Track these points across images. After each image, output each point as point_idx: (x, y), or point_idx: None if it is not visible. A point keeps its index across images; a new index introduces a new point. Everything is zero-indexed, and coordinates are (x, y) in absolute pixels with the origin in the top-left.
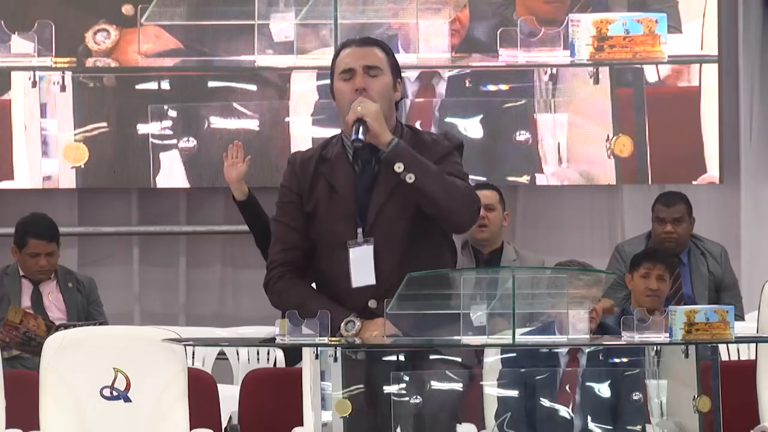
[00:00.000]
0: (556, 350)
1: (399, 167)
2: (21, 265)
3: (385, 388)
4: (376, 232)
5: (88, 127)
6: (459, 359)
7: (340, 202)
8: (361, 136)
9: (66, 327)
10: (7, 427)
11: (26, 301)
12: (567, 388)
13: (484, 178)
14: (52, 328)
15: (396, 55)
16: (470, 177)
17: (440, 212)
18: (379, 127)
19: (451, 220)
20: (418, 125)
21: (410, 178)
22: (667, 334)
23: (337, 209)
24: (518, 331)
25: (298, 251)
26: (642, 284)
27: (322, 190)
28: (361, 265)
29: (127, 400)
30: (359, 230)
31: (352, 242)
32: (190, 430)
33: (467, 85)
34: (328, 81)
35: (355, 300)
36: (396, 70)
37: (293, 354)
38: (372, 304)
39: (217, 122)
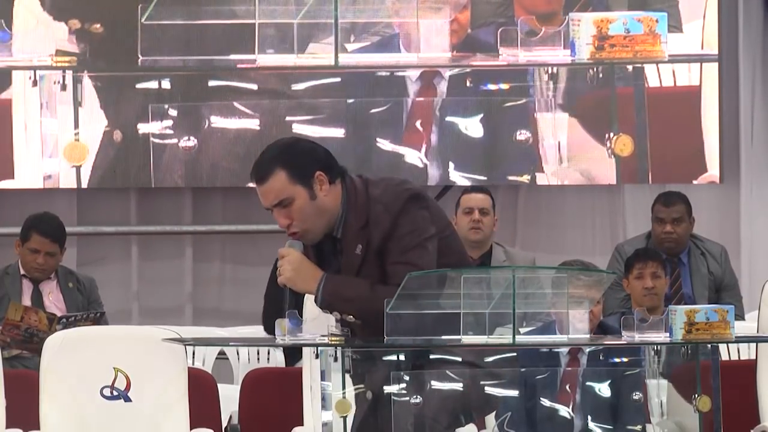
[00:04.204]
0: (557, 350)
1: (336, 316)
2: (21, 260)
3: (385, 388)
4: None
5: (89, 127)
6: (459, 359)
7: None
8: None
9: (67, 318)
10: (7, 427)
11: (26, 301)
12: (567, 387)
13: (484, 178)
14: (54, 320)
15: (397, 55)
16: (470, 177)
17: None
18: (304, 285)
19: None
20: (418, 125)
21: (350, 318)
22: (667, 334)
23: None
24: (518, 331)
25: None
26: (638, 285)
27: None
28: None
29: (127, 400)
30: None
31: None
32: (190, 430)
33: (468, 84)
34: (328, 80)
35: None
36: (307, 171)
37: (293, 354)
38: None
39: (217, 122)
